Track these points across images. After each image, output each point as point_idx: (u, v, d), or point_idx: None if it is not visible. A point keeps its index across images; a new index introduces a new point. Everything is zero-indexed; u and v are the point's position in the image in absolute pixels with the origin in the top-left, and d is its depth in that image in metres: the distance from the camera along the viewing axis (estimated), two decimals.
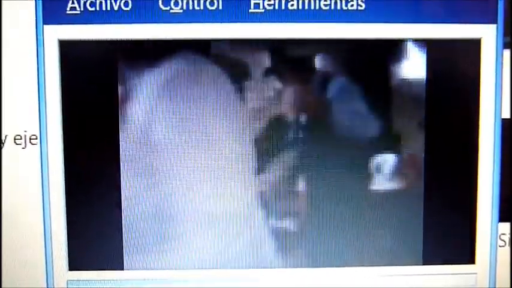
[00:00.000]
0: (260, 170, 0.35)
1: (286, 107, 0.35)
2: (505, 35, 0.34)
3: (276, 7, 0.34)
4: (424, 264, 0.36)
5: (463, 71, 0.35)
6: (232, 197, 0.35)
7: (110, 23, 0.33)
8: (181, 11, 0.33)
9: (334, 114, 0.35)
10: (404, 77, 0.35)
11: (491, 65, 0.34)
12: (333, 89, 0.35)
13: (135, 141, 0.34)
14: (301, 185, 0.35)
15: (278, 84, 0.35)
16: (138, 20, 0.33)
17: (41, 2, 0.33)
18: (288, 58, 0.34)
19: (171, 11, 0.33)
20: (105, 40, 0.33)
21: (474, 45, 0.34)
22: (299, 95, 0.35)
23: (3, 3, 0.33)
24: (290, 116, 0.35)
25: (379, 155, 0.35)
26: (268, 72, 0.34)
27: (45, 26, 0.33)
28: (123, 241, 0.35)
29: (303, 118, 0.35)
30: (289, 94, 0.35)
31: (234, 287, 0.36)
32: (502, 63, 0.34)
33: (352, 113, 0.35)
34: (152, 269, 0.36)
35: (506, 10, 0.34)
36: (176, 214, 0.35)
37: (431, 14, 0.34)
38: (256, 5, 0.34)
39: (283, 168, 0.35)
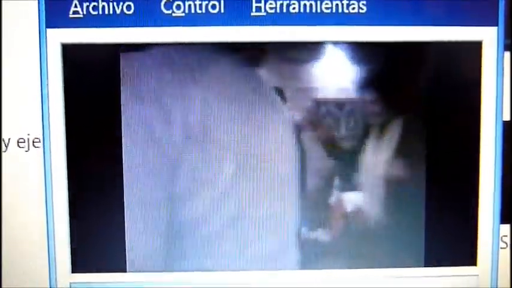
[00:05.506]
0: (265, 173, 0.35)
1: (290, 110, 0.35)
2: (505, 37, 0.34)
3: (278, 10, 0.34)
4: (425, 266, 0.36)
5: (464, 73, 0.35)
6: (238, 200, 0.35)
7: (113, 26, 0.33)
8: (183, 14, 0.34)
9: (337, 118, 0.35)
10: (405, 79, 0.35)
11: (492, 68, 0.34)
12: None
13: (138, 143, 0.35)
14: (304, 188, 0.36)
15: (281, 88, 0.35)
16: (141, 23, 0.33)
17: (44, 5, 0.33)
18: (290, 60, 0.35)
19: (173, 14, 0.34)
20: (108, 44, 0.34)
21: (475, 47, 0.34)
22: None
23: (6, 6, 0.33)
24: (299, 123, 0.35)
25: (380, 156, 0.35)
26: (270, 75, 0.35)
27: (48, 30, 0.33)
28: (126, 244, 0.35)
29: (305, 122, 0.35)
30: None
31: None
32: (503, 65, 0.34)
33: (355, 115, 0.35)
34: (155, 272, 0.36)
35: (507, 12, 0.34)
36: (180, 217, 0.35)
37: (432, 16, 0.34)
38: (258, 8, 0.34)
39: (282, 170, 0.35)
